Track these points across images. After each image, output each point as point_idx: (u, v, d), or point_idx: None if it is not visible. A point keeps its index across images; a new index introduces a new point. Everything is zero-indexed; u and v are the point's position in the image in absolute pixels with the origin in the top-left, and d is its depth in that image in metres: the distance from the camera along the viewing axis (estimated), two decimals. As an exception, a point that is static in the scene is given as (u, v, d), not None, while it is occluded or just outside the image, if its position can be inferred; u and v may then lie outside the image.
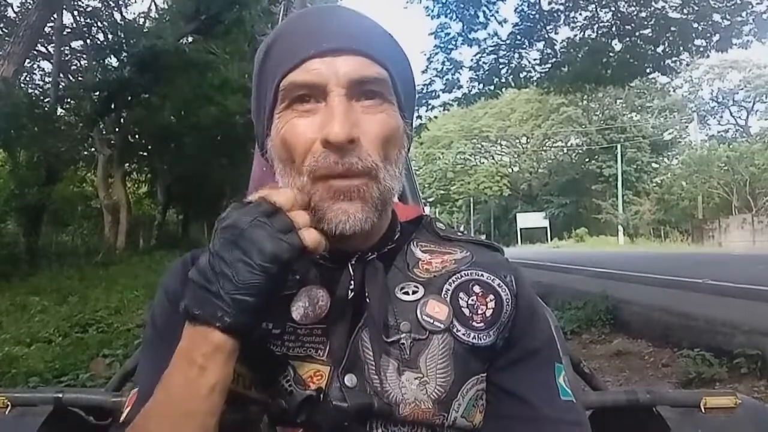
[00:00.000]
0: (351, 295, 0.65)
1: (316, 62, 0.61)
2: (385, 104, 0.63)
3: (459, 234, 0.75)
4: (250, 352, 0.61)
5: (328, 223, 0.61)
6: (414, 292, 0.66)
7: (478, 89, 13.00)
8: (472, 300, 0.66)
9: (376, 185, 0.62)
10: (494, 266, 0.70)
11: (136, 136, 18.14)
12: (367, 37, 0.64)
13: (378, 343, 0.62)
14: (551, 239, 42.97)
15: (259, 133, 0.70)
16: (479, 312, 0.66)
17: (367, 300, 0.64)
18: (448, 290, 0.66)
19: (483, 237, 0.91)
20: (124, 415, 0.65)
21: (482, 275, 0.68)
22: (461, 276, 0.67)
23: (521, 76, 12.88)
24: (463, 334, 0.64)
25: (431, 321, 0.64)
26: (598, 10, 11.93)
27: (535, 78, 13.10)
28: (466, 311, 0.65)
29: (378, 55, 0.63)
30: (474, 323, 0.65)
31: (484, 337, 0.65)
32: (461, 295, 0.66)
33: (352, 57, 0.61)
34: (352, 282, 0.65)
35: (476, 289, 0.67)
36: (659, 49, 11.51)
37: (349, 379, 0.61)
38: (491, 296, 0.67)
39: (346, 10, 0.68)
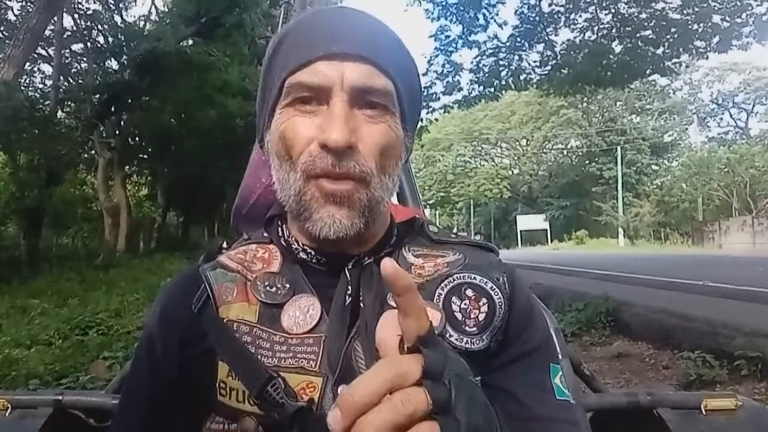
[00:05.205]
0: (348, 300, 0.64)
1: (323, 64, 0.61)
2: (387, 115, 0.63)
3: (452, 236, 0.74)
4: (242, 365, 0.61)
5: (314, 224, 0.61)
6: None
7: (478, 91, 12.96)
8: (465, 304, 0.65)
9: (365, 191, 0.61)
10: (487, 268, 0.68)
11: (137, 139, 18.17)
12: (378, 44, 0.63)
13: (371, 352, 0.60)
14: (551, 241, 42.97)
15: (260, 124, 0.70)
16: (472, 316, 0.65)
17: (362, 306, 0.64)
18: (441, 295, 0.65)
19: (480, 239, 0.90)
20: None
21: (475, 278, 0.67)
22: (453, 280, 0.66)
23: (521, 78, 12.85)
24: (456, 339, 0.63)
25: None
26: (598, 11, 11.92)
27: (535, 80, 13.07)
28: (459, 316, 0.64)
29: (386, 64, 0.62)
30: (467, 328, 0.64)
31: (477, 341, 0.64)
32: (454, 299, 0.65)
33: (360, 64, 0.61)
34: (350, 287, 0.65)
35: (469, 292, 0.66)
36: (659, 51, 11.49)
37: (343, 390, 0.60)
38: (484, 300, 0.66)
39: (359, 13, 0.66)
